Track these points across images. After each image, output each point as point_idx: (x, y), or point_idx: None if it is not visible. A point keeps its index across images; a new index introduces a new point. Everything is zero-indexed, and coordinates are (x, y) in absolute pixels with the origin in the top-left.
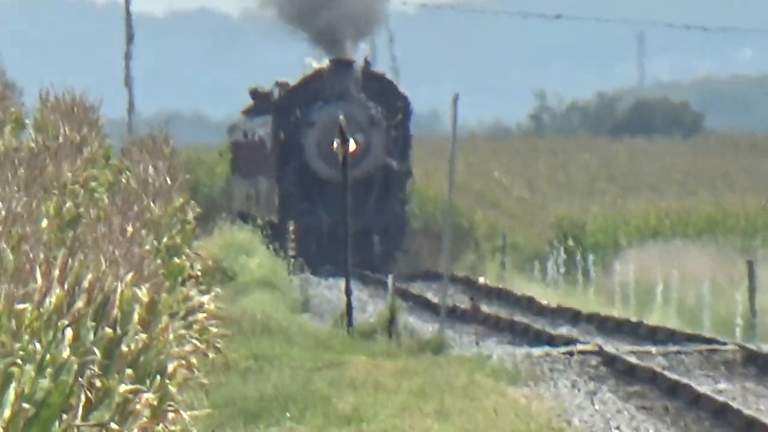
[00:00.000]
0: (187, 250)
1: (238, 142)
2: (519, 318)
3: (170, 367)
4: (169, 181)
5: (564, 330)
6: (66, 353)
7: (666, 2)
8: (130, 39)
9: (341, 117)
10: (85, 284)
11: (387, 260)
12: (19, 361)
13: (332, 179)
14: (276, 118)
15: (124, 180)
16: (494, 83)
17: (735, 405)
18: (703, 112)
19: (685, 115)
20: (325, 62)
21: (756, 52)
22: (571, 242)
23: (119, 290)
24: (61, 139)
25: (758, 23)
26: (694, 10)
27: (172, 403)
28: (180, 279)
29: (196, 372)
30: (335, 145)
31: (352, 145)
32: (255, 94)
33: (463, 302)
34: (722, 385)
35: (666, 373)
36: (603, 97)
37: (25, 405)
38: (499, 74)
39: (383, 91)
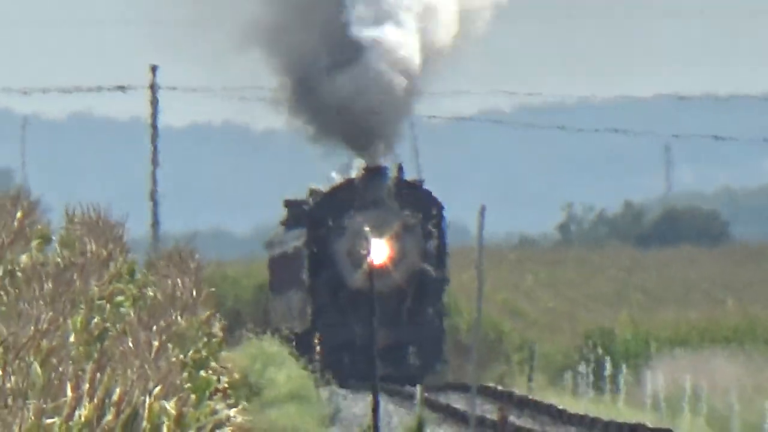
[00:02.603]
0: (214, 364)
1: (274, 256)
2: (549, 429)
3: None
4: (195, 295)
5: None
6: None
7: (691, 113)
8: (155, 155)
9: (365, 227)
10: (114, 398)
11: (424, 373)
12: None
13: (365, 289)
14: (309, 228)
15: (150, 293)
16: (520, 194)
17: None
18: (729, 221)
19: (712, 224)
20: (355, 172)
21: None
22: (600, 351)
23: (147, 403)
24: (88, 255)
25: None
26: (718, 120)
27: None
28: (207, 392)
29: None
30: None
31: (384, 254)
32: (289, 203)
33: (493, 413)
34: None
35: None
36: (630, 206)
37: None
38: (525, 185)
39: (417, 198)
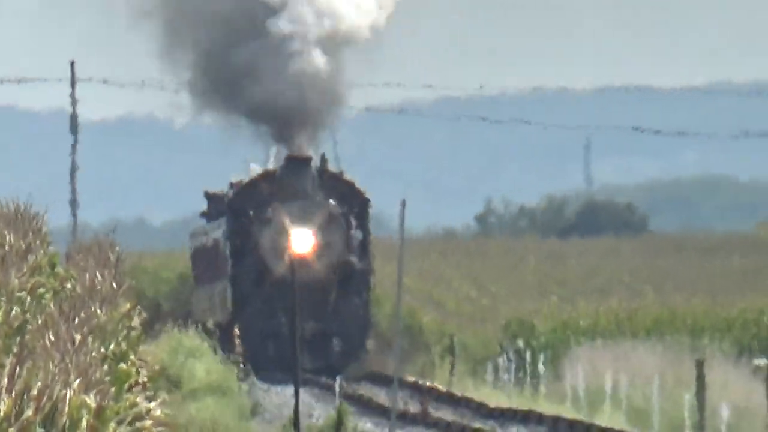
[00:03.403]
0: (133, 357)
1: (197, 248)
2: (469, 421)
3: None
4: (115, 287)
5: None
6: None
7: (611, 107)
8: (74, 147)
9: (286, 219)
10: (34, 392)
11: (347, 362)
12: None
13: (290, 279)
14: (230, 218)
15: (70, 287)
16: (441, 186)
17: None
18: (648, 213)
19: (631, 217)
20: (272, 161)
21: (698, 155)
22: (521, 343)
23: (68, 397)
24: (6, 247)
25: (700, 127)
26: (638, 114)
27: None
28: (126, 385)
29: None
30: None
31: (309, 244)
32: (209, 196)
33: (413, 405)
34: None
35: None
36: (551, 200)
37: None
38: (446, 178)
39: (340, 189)
